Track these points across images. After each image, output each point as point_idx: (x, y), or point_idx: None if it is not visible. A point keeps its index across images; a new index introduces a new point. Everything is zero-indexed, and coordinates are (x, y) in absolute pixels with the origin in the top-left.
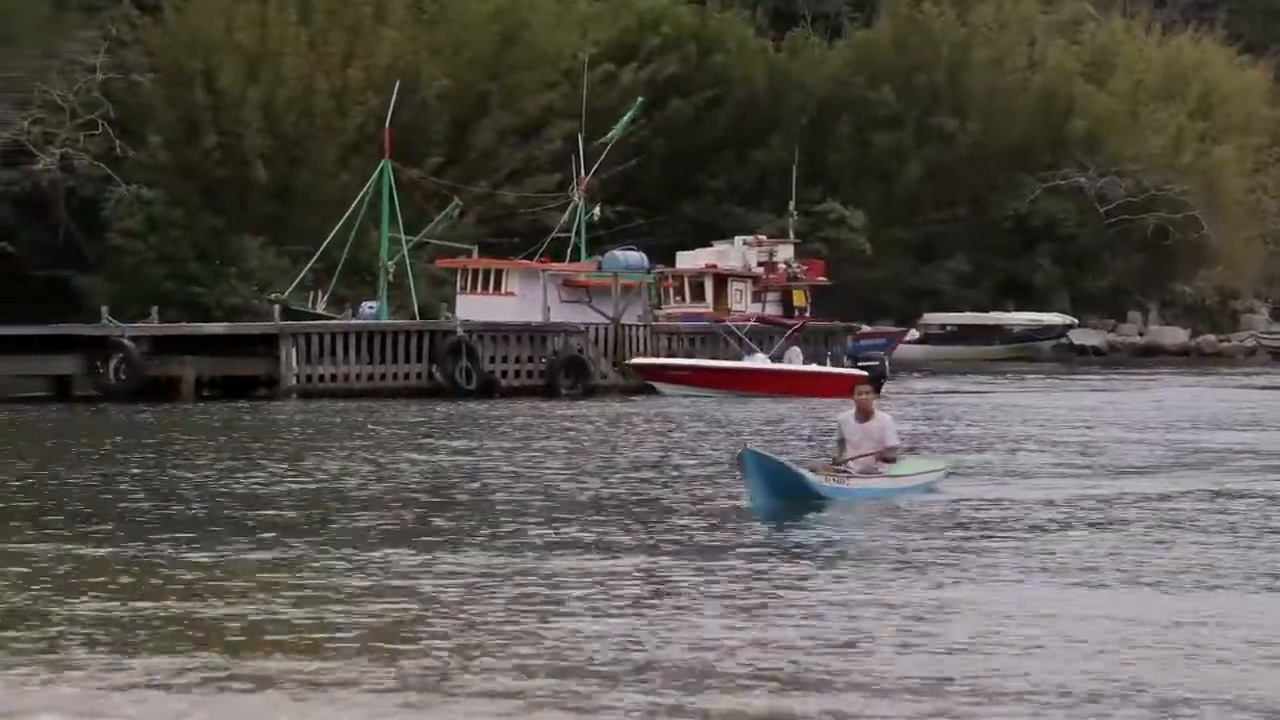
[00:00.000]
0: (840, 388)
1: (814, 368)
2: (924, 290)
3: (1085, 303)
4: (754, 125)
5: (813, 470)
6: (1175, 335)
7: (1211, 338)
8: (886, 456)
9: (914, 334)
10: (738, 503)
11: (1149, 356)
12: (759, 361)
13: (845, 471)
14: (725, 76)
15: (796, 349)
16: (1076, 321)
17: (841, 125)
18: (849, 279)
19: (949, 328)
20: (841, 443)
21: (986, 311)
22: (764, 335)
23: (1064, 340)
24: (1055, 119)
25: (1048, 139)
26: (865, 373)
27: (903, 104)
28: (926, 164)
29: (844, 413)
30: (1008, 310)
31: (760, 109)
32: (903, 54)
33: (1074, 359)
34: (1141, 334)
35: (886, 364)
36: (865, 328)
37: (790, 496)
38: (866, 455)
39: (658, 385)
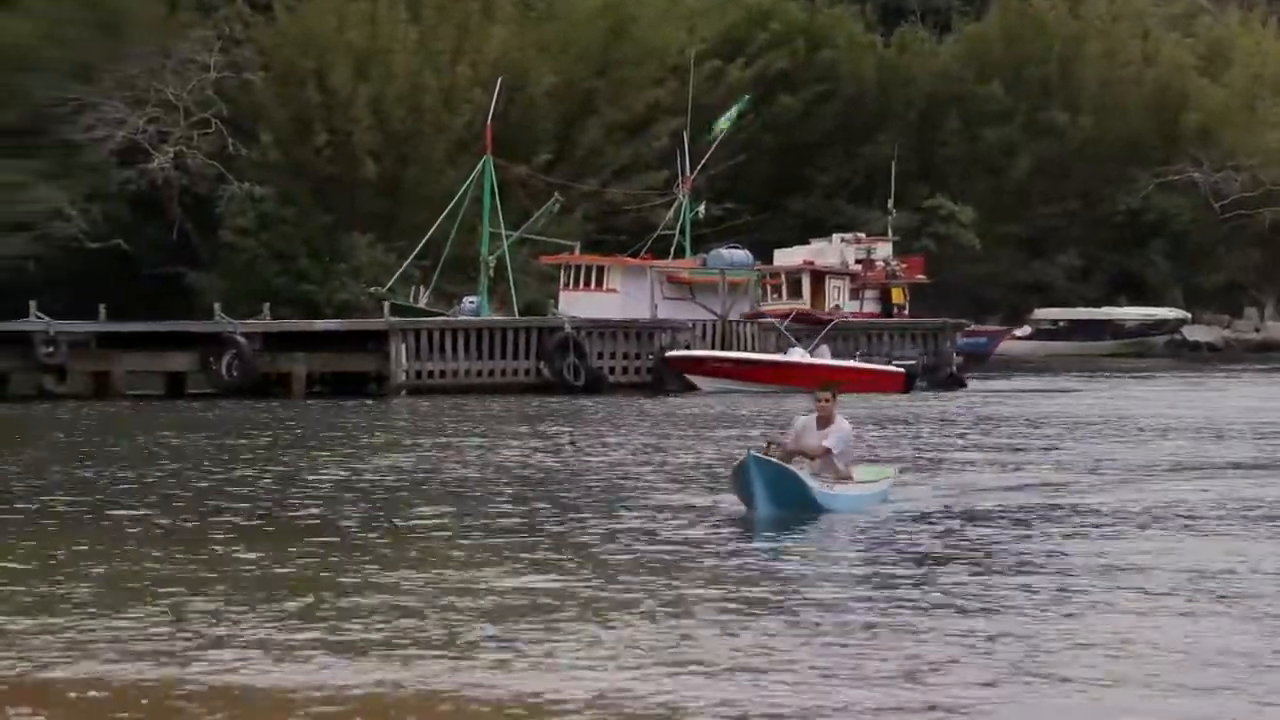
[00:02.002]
0: (875, 383)
1: (850, 363)
2: (1034, 285)
3: (1199, 298)
4: (862, 121)
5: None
6: None
7: None
8: (811, 454)
9: (1025, 329)
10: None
11: (1266, 352)
12: (797, 356)
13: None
14: (834, 72)
15: (825, 346)
16: (1189, 317)
17: (950, 120)
18: (959, 275)
19: (1060, 323)
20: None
21: (1098, 307)
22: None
23: (1177, 336)
24: (1168, 113)
25: (1161, 133)
26: (901, 369)
27: (1012, 98)
28: (1037, 159)
29: (804, 418)
30: (1120, 306)
31: (869, 104)
32: (1013, 48)
33: (1187, 355)
34: (1258, 330)
35: (921, 364)
36: (973, 325)
37: (793, 506)
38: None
39: (694, 380)
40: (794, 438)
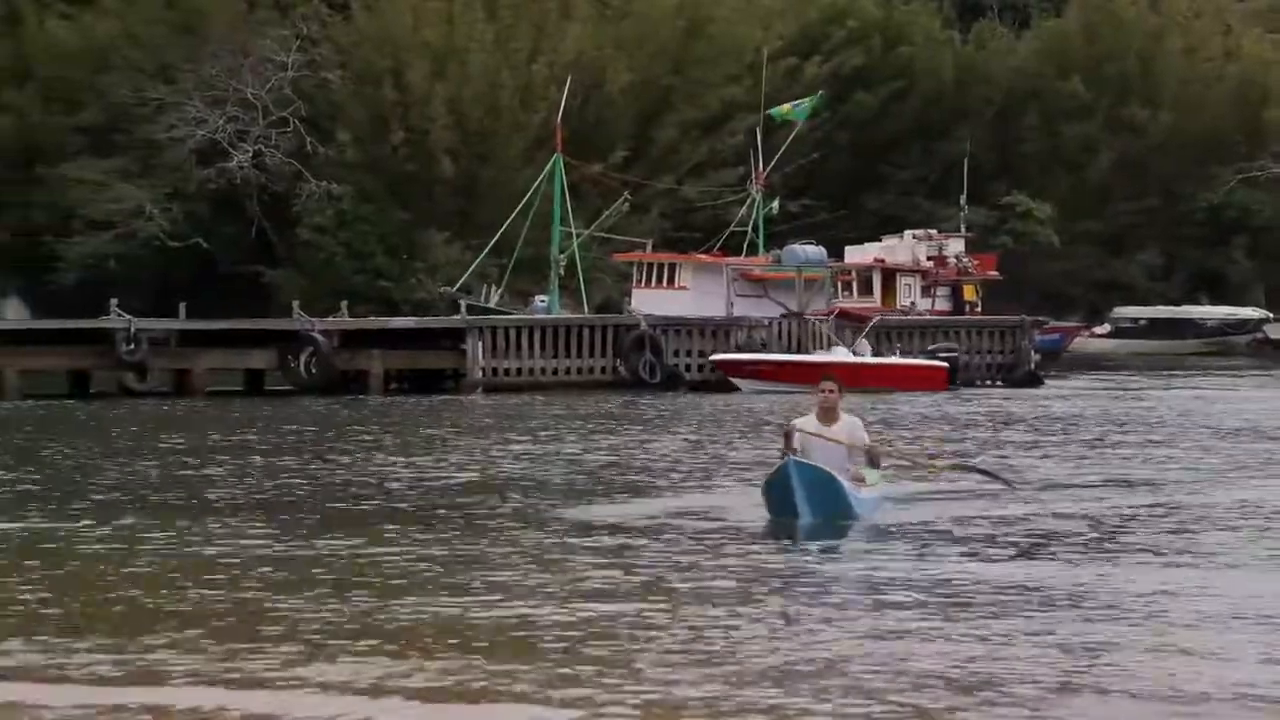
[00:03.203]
0: (917, 379)
1: (892, 360)
2: (1114, 283)
3: None
4: (939, 117)
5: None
6: None
7: None
8: (875, 457)
9: (1105, 327)
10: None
11: None
12: (840, 355)
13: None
14: (910, 69)
15: (864, 342)
16: (1271, 316)
17: (1029, 117)
18: (1038, 272)
19: (1141, 321)
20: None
21: (1178, 305)
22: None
23: (1259, 335)
24: (1250, 108)
25: (1242, 129)
26: (944, 364)
27: (1092, 94)
28: (1117, 155)
29: (802, 417)
30: (1200, 303)
31: (946, 101)
32: (1092, 44)
33: (1270, 354)
34: None
35: (959, 359)
36: (1053, 322)
37: (833, 512)
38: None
39: (736, 381)
40: (804, 441)
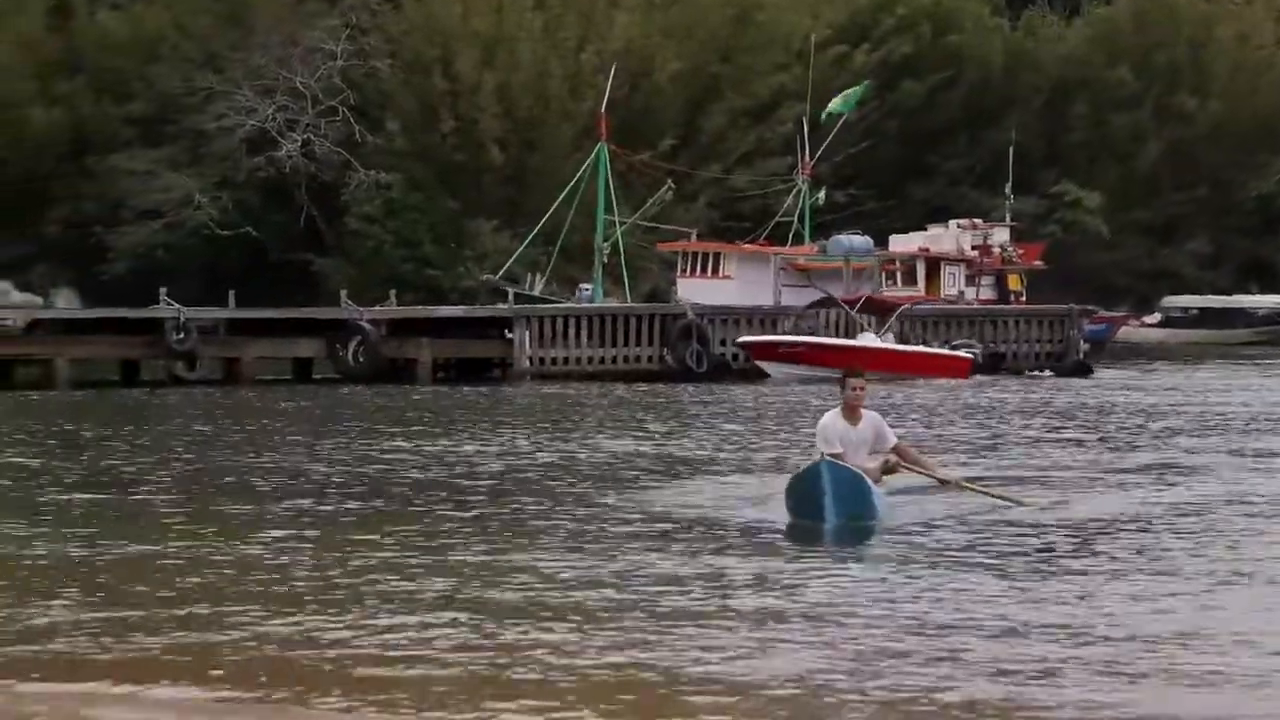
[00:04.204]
0: (941, 367)
1: (917, 348)
2: (1163, 273)
3: None
4: (988, 106)
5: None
6: None
7: None
8: (892, 466)
9: (1155, 317)
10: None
11: None
12: (868, 340)
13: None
14: (959, 57)
15: (890, 331)
16: None
17: (1078, 105)
18: (1086, 262)
19: (1190, 311)
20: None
21: (1228, 294)
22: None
23: None
24: None
25: None
26: (969, 355)
27: (1141, 83)
28: (1166, 144)
29: (826, 415)
30: (1251, 293)
31: (994, 89)
32: (1142, 32)
33: None
34: None
35: (980, 353)
36: (1101, 312)
37: (858, 513)
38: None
39: (764, 365)
40: (830, 441)
